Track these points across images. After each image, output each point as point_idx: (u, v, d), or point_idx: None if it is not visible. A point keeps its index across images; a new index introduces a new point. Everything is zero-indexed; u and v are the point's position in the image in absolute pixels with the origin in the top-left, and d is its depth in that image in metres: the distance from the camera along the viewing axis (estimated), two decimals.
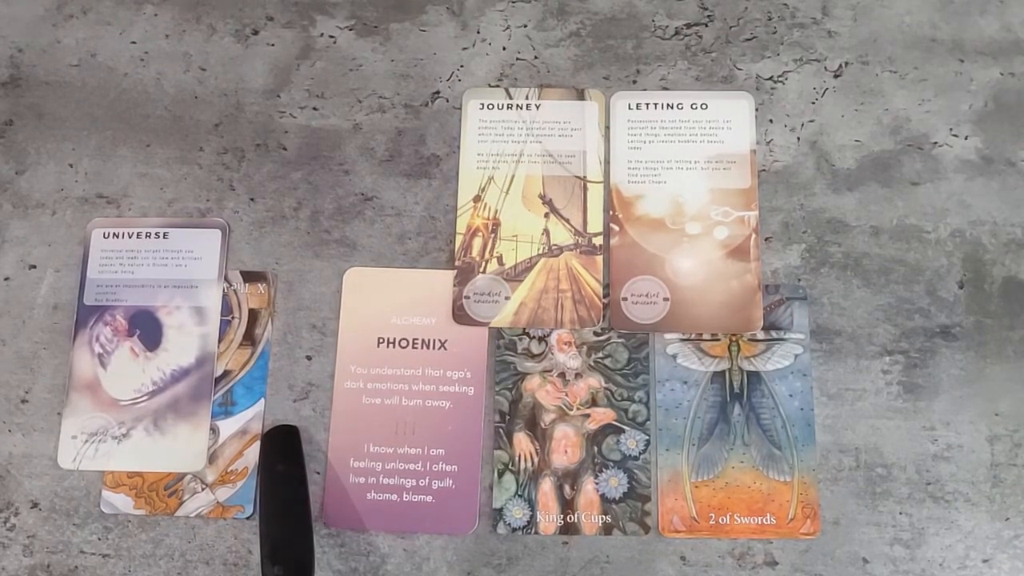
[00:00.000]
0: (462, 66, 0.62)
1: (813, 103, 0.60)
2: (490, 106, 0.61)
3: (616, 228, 0.58)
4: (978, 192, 0.58)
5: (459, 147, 0.60)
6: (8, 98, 0.62)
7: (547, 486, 0.55)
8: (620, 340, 0.57)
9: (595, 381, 0.56)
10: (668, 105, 0.60)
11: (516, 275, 0.58)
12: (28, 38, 0.64)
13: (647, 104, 0.60)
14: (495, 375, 0.57)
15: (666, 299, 0.57)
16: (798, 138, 0.59)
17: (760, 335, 0.57)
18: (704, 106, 0.60)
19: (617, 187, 0.59)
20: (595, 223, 0.59)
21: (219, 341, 0.58)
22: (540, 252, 0.58)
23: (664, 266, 0.57)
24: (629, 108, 0.60)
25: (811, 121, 0.60)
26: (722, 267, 0.57)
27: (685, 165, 0.59)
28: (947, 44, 0.60)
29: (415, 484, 0.56)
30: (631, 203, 0.58)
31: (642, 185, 0.59)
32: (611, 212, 0.59)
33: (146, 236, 0.59)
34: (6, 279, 0.60)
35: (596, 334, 0.57)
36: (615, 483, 0.55)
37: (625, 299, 0.57)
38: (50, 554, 0.56)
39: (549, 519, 0.55)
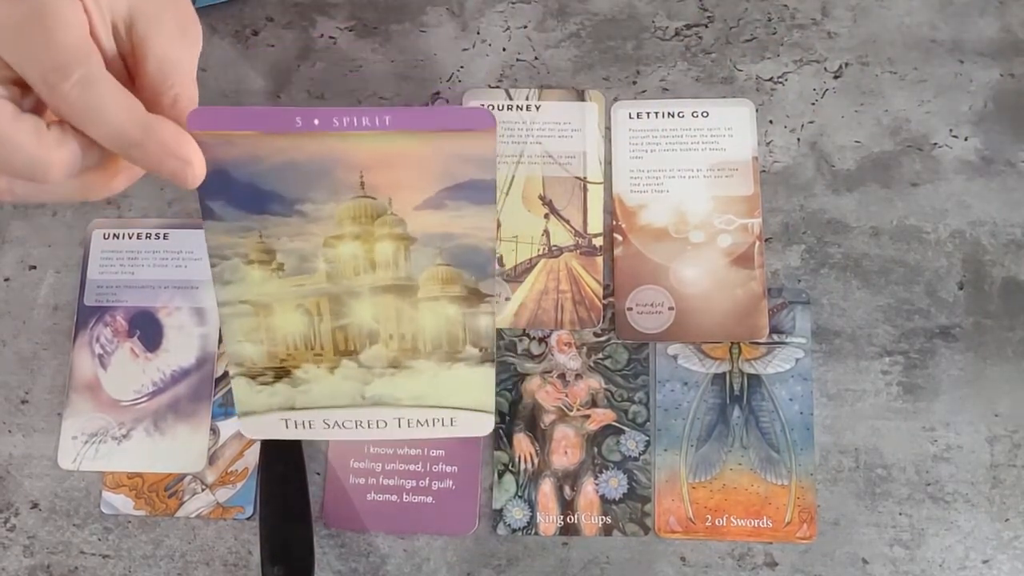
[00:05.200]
0: (462, 67, 0.62)
1: (813, 104, 0.60)
2: (490, 107, 0.61)
3: (619, 238, 0.58)
4: (978, 193, 0.58)
5: None
6: None
7: (547, 487, 0.55)
8: (620, 341, 0.57)
9: (595, 382, 0.57)
10: (669, 114, 0.60)
11: (516, 276, 0.58)
12: None
13: (648, 113, 0.60)
14: (495, 376, 0.57)
15: (671, 308, 0.57)
16: (798, 139, 0.59)
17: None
18: (705, 114, 0.60)
19: (620, 197, 0.59)
20: (595, 224, 0.59)
21: (219, 342, 0.58)
22: (540, 253, 0.58)
23: (668, 275, 0.57)
24: (630, 117, 0.60)
25: (811, 122, 0.60)
26: (726, 275, 0.57)
27: (687, 173, 0.59)
28: (947, 45, 0.60)
29: (415, 485, 0.56)
30: (634, 213, 0.58)
31: (644, 195, 0.59)
32: (614, 222, 0.58)
33: (146, 237, 0.59)
34: (6, 279, 0.60)
35: (596, 335, 0.57)
36: (615, 484, 0.55)
37: (630, 309, 0.57)
38: (50, 555, 0.56)
39: (549, 520, 0.55)
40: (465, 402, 0.45)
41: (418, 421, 0.45)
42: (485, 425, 0.46)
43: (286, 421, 0.45)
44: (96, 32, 0.34)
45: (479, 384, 0.45)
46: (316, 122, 0.37)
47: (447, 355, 0.44)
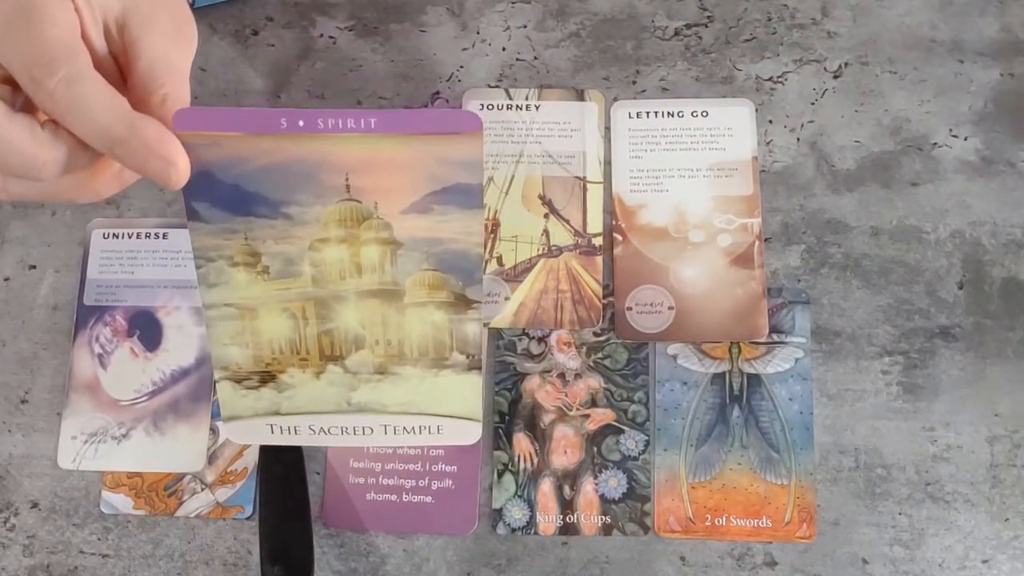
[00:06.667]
0: (462, 67, 0.62)
1: (813, 104, 0.60)
2: (490, 107, 0.61)
3: (619, 238, 0.58)
4: (978, 193, 0.58)
5: None
6: None
7: (547, 486, 0.55)
8: (620, 340, 0.57)
9: (595, 382, 0.57)
10: (668, 113, 0.60)
11: (516, 276, 0.58)
12: None
13: (648, 113, 0.60)
14: (495, 375, 0.57)
15: (671, 308, 0.57)
16: (798, 139, 0.59)
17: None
18: (705, 113, 0.60)
19: (619, 196, 0.59)
20: (595, 224, 0.59)
21: None
22: (540, 253, 0.58)
23: (668, 275, 0.57)
24: (629, 117, 0.60)
25: (811, 122, 0.60)
26: (726, 275, 0.57)
27: (687, 173, 0.59)
28: (947, 45, 0.60)
29: (415, 484, 0.56)
30: (634, 212, 0.58)
31: (644, 194, 0.59)
32: (614, 221, 0.58)
33: (146, 236, 0.60)
34: (6, 279, 0.60)
35: (596, 335, 0.57)
36: (614, 483, 0.55)
37: (630, 308, 0.57)
38: (50, 554, 0.56)
39: (549, 519, 0.55)
40: (452, 410, 0.45)
41: (404, 428, 0.45)
42: (472, 433, 0.45)
43: (271, 426, 0.44)
44: (87, 32, 0.34)
45: (466, 392, 0.44)
46: (301, 123, 0.37)
47: (433, 362, 0.43)
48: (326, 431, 0.45)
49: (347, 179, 0.39)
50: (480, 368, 0.44)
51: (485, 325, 0.57)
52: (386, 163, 0.38)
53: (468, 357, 0.44)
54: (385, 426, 0.45)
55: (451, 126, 0.38)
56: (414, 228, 0.40)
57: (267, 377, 0.43)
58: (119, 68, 0.36)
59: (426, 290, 0.42)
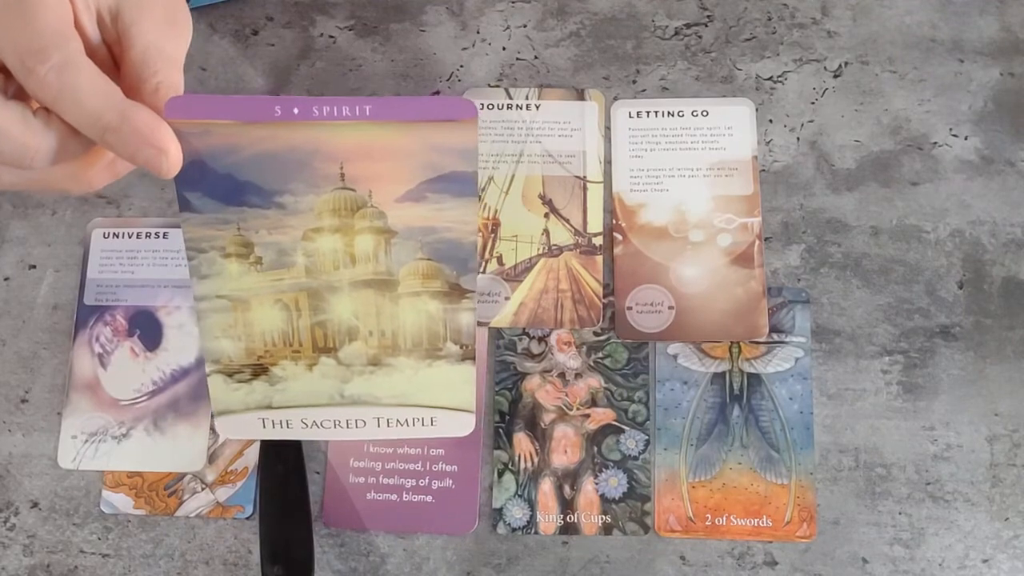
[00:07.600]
0: (462, 66, 0.62)
1: (813, 103, 0.60)
2: (490, 106, 0.61)
3: (619, 237, 0.58)
4: (978, 192, 0.58)
5: None
6: None
7: (547, 486, 0.55)
8: (620, 340, 0.57)
9: (595, 381, 0.57)
10: (669, 113, 0.60)
11: (516, 275, 0.58)
12: None
13: (648, 112, 0.60)
14: (495, 375, 0.57)
15: (671, 308, 0.57)
16: (798, 138, 0.59)
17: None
18: (705, 113, 0.60)
19: (620, 196, 0.59)
20: (595, 223, 0.59)
21: None
22: (540, 252, 0.58)
23: (668, 275, 0.57)
24: (630, 116, 0.60)
25: (811, 121, 0.60)
26: (726, 274, 0.57)
27: (687, 173, 0.59)
28: (947, 44, 0.60)
29: (415, 484, 0.56)
30: (634, 212, 0.58)
31: (644, 194, 0.59)
32: (614, 221, 0.59)
33: (146, 236, 0.60)
34: (6, 279, 0.60)
35: (596, 334, 0.57)
36: (615, 483, 0.55)
37: (630, 308, 0.57)
38: (50, 554, 0.56)
39: (549, 519, 0.55)
40: (446, 401, 0.44)
41: (397, 421, 0.44)
42: (466, 425, 0.45)
43: (263, 420, 0.44)
44: (79, 19, 0.34)
45: (460, 382, 0.44)
46: (295, 111, 0.36)
47: (427, 352, 0.43)
48: (319, 424, 0.44)
49: (341, 168, 0.38)
50: (474, 358, 0.44)
51: (485, 324, 0.57)
52: (381, 151, 0.38)
53: (462, 347, 0.43)
54: (378, 419, 0.44)
55: (446, 113, 0.37)
56: (408, 217, 0.40)
57: (259, 370, 0.43)
58: (112, 56, 0.36)
59: (420, 280, 0.42)
